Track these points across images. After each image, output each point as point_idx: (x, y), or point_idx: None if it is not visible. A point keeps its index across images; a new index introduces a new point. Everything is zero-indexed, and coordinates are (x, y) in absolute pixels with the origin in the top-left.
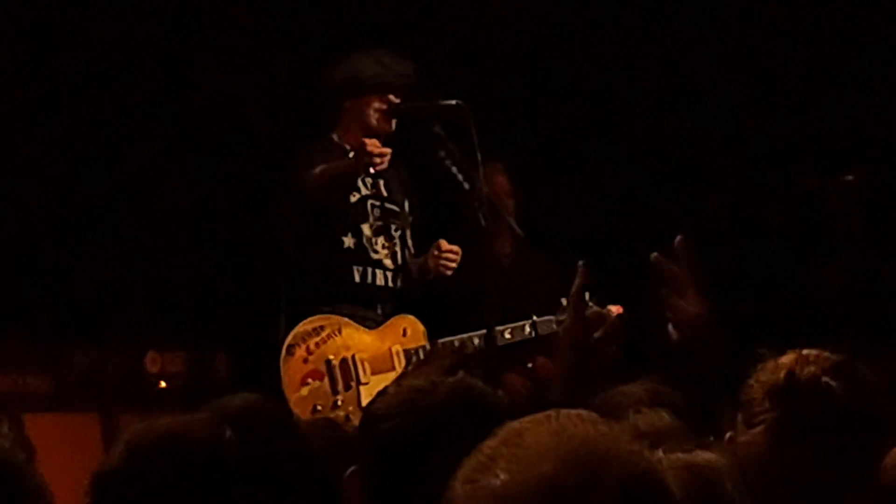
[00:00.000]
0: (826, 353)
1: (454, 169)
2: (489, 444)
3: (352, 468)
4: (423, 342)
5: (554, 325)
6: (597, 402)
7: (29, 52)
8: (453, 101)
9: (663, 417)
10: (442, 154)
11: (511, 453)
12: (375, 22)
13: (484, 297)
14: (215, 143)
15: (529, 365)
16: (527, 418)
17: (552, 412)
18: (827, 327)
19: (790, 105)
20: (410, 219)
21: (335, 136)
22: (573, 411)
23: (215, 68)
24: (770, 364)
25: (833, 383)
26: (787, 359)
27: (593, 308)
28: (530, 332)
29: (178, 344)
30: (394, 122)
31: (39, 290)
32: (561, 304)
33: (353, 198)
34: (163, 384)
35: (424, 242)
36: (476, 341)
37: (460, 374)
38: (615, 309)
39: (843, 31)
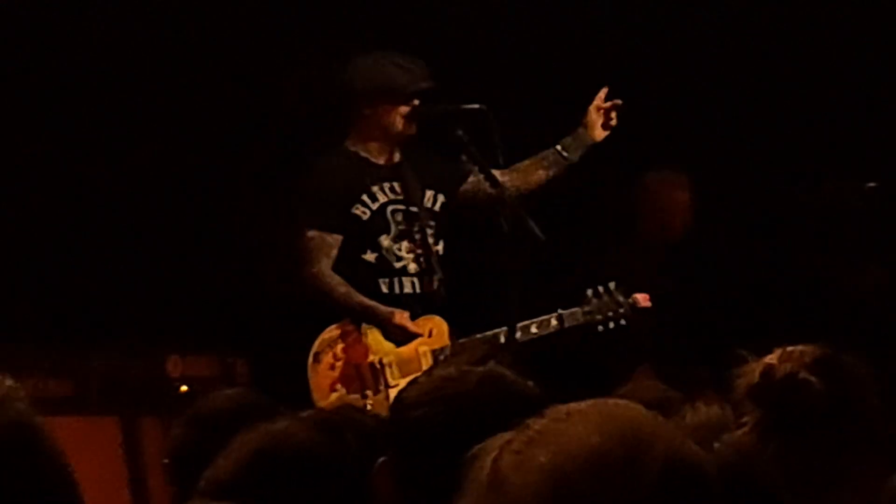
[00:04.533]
0: (810, 349)
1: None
2: (537, 421)
3: (382, 458)
4: (449, 342)
5: (580, 317)
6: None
7: (29, 52)
8: (476, 105)
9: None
10: (464, 157)
11: (559, 428)
12: (389, 22)
13: (507, 298)
14: (234, 145)
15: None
16: (572, 404)
17: (597, 400)
18: (852, 331)
19: (814, 108)
20: (435, 210)
21: (350, 145)
22: (619, 400)
23: (218, 68)
24: (754, 363)
25: (811, 378)
26: (770, 357)
27: None
28: (557, 325)
29: (200, 348)
30: (414, 125)
31: (60, 293)
32: (586, 295)
33: (365, 215)
34: (184, 388)
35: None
36: (501, 338)
37: (490, 363)
38: (642, 298)
39: (866, 35)
